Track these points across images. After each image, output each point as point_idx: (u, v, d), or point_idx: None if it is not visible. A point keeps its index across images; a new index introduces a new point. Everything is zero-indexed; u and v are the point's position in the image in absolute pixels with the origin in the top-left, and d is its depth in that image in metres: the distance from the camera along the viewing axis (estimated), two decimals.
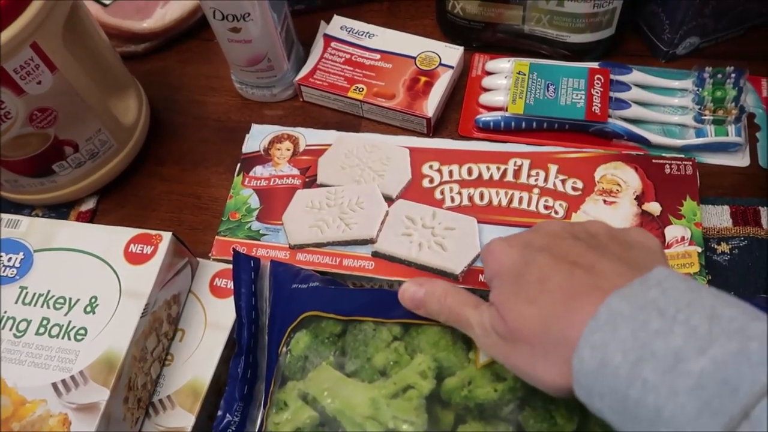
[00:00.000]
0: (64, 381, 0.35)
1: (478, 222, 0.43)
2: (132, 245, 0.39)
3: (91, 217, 0.51)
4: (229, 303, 0.40)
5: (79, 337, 0.36)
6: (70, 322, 0.37)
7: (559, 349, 0.25)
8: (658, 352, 0.22)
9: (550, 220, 0.35)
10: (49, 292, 0.38)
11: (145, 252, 0.38)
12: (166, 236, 0.39)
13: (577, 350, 0.24)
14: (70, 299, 0.38)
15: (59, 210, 0.51)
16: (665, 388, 0.22)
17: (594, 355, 0.24)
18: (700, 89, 0.48)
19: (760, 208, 0.44)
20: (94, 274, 0.38)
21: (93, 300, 0.37)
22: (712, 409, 0.20)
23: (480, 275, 0.40)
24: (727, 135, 0.46)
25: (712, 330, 0.22)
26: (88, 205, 0.51)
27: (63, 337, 0.36)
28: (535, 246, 0.29)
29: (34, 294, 0.38)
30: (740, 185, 0.46)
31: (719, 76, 0.48)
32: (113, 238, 0.39)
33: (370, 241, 0.43)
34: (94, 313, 0.37)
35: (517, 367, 0.28)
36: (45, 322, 0.37)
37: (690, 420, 0.21)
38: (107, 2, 0.57)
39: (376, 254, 0.42)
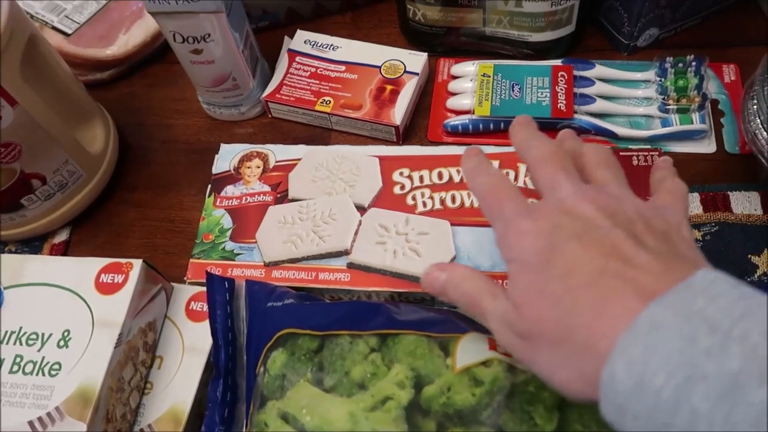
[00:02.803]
0: (40, 418, 0.34)
1: (451, 224, 0.42)
2: (102, 275, 0.38)
3: (64, 249, 0.50)
4: (206, 326, 0.39)
5: (53, 373, 0.36)
6: (43, 357, 0.36)
7: (586, 357, 0.23)
8: (710, 375, 0.19)
9: (583, 190, 0.27)
10: (21, 328, 0.38)
11: (116, 281, 0.38)
12: (137, 264, 0.38)
13: (608, 363, 0.21)
14: (43, 334, 0.37)
15: (32, 244, 0.50)
16: (720, 419, 0.19)
17: (631, 373, 0.21)
18: (663, 79, 0.48)
19: (728, 192, 0.45)
20: (66, 307, 0.38)
21: (66, 333, 0.37)
22: None
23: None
24: (692, 123, 0.47)
25: None
26: (61, 236, 0.51)
27: (37, 374, 0.36)
28: (566, 231, 0.25)
29: (6, 332, 0.37)
30: (708, 172, 0.46)
31: (680, 65, 0.48)
32: (83, 269, 0.39)
33: (345, 253, 0.43)
34: (67, 346, 0.36)
35: (536, 369, 0.26)
36: (18, 359, 0.36)
37: None
38: (69, 32, 0.57)
39: (351, 265, 0.42)
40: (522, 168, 0.45)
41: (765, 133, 0.40)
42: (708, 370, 0.19)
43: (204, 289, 0.41)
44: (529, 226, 0.27)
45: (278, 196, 0.46)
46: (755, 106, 0.41)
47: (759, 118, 0.40)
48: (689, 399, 0.19)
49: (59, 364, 0.36)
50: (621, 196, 0.28)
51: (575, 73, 0.49)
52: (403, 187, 0.45)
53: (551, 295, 0.24)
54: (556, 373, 0.24)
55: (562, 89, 0.48)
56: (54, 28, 0.56)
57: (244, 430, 0.35)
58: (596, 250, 0.24)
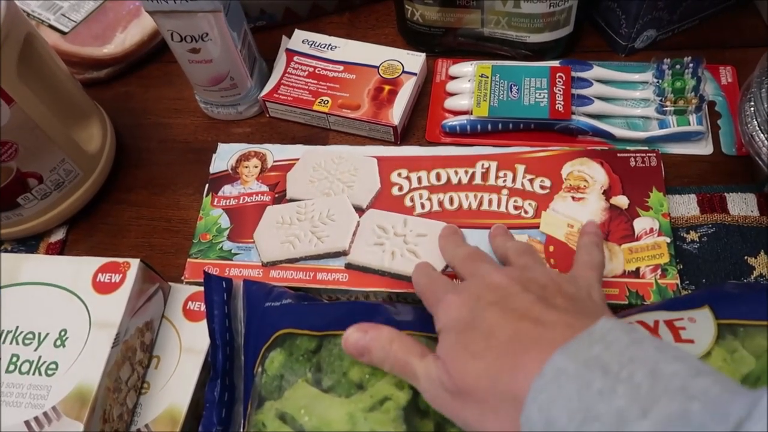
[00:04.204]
0: (36, 418, 0.34)
1: None
2: (100, 274, 0.38)
3: (61, 248, 0.50)
4: (204, 326, 0.39)
5: (50, 372, 0.36)
6: (40, 357, 0.36)
7: (508, 406, 0.26)
8: (602, 414, 0.22)
9: (500, 269, 0.33)
10: (17, 328, 0.37)
11: (113, 281, 0.38)
12: (134, 263, 0.38)
13: (524, 409, 0.25)
14: (40, 334, 0.37)
15: (28, 243, 0.50)
16: None
17: (541, 416, 0.24)
18: (660, 81, 0.48)
19: (725, 194, 0.45)
20: (63, 307, 0.38)
21: (63, 333, 0.37)
22: None
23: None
24: (689, 124, 0.47)
25: (654, 388, 0.22)
26: (58, 236, 0.50)
27: (34, 373, 0.36)
28: (485, 301, 0.30)
29: (3, 331, 0.37)
30: (705, 173, 0.46)
31: (678, 66, 0.48)
32: (80, 268, 0.39)
33: (343, 253, 0.43)
34: (64, 346, 0.36)
35: (466, 423, 0.28)
36: (15, 359, 0.36)
37: None
38: (66, 30, 0.56)
39: (349, 266, 0.42)
40: (519, 169, 0.45)
41: (762, 134, 0.40)
42: (600, 410, 0.22)
43: (201, 288, 0.41)
44: (455, 299, 0.31)
45: (276, 196, 0.46)
46: (752, 108, 0.41)
47: (756, 120, 0.40)
48: None
49: (56, 363, 0.36)
50: (539, 271, 0.32)
51: (573, 74, 0.49)
52: (401, 188, 0.45)
53: (475, 352, 0.28)
54: (485, 424, 0.27)
55: (560, 90, 0.48)
56: (51, 27, 0.56)
57: (241, 430, 0.35)
58: (511, 314, 0.28)
